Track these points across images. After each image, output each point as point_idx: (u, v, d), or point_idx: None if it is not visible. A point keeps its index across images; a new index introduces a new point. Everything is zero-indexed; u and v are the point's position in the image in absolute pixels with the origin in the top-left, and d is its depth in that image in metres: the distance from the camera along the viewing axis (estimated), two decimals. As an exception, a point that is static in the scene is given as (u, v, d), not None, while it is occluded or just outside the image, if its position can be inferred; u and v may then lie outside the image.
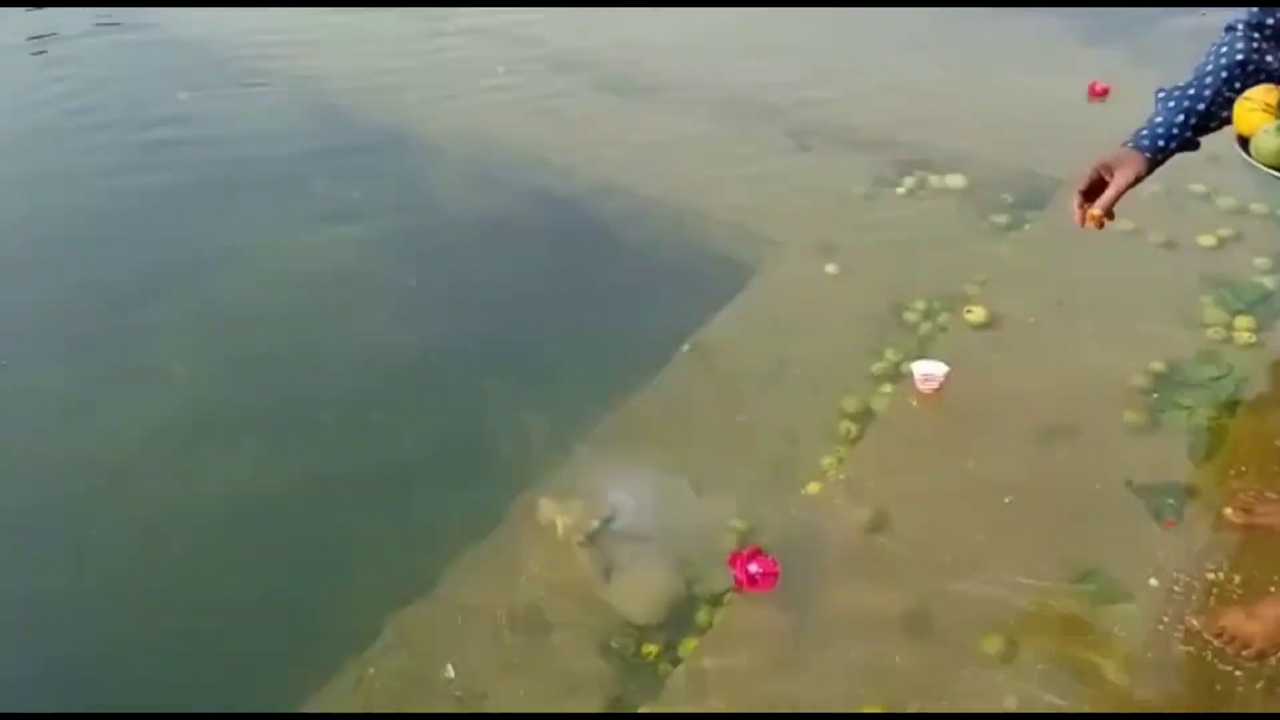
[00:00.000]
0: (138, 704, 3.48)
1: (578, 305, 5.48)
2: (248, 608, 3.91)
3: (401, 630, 3.58)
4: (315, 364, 5.20)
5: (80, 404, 4.95)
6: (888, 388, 4.34)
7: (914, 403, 4.11)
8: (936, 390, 4.04)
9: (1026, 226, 5.35)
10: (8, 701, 3.52)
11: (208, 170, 6.84)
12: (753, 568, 3.33)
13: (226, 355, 5.24)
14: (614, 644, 3.44)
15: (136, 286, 5.70)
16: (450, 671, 3.42)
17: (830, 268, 5.11)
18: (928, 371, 4.05)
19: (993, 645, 3.12)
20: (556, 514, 3.72)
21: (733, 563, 3.38)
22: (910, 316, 4.75)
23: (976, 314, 4.49)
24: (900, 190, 5.81)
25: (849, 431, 4.12)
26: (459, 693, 3.37)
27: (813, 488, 3.91)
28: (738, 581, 3.36)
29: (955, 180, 5.78)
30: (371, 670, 3.45)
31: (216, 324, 5.48)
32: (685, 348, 4.72)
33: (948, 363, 4.09)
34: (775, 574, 3.34)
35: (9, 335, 5.45)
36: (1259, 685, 2.91)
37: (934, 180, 5.83)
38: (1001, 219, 5.44)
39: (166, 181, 6.69)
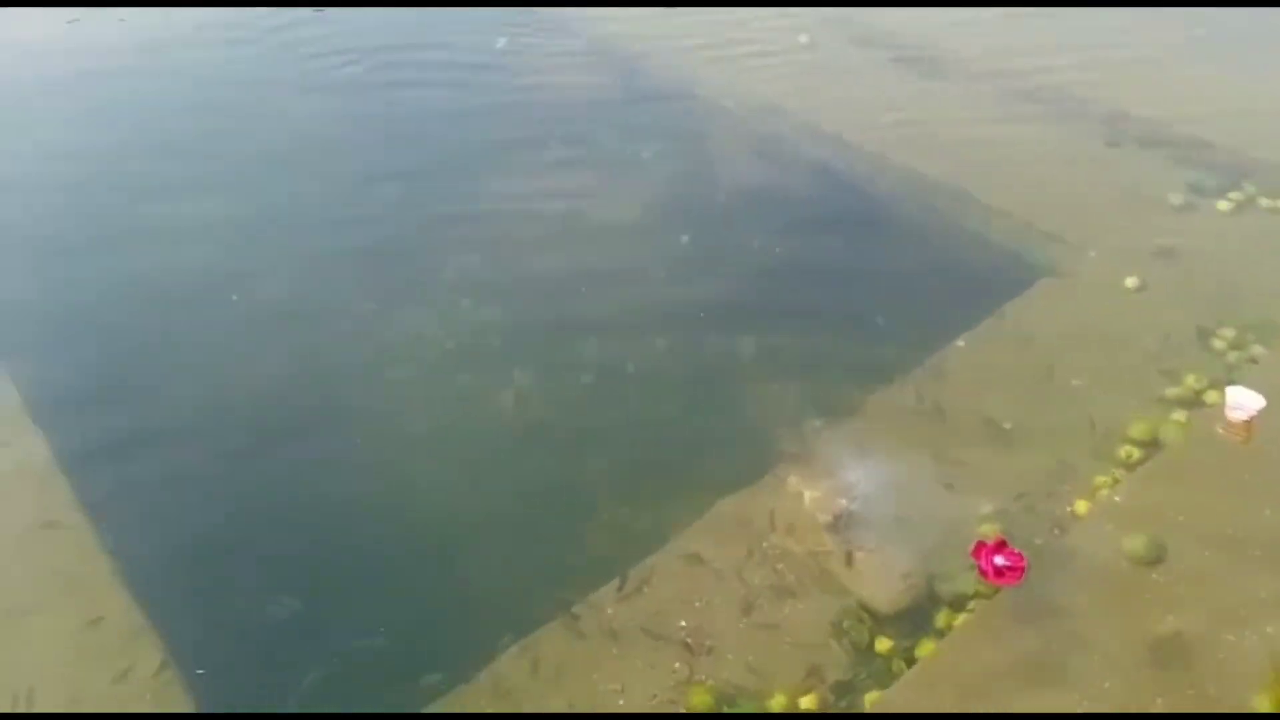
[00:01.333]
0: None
1: (846, 282, 5.38)
2: (496, 533, 4.17)
3: (642, 575, 3.71)
4: (584, 311, 5.43)
5: (369, 321, 5.44)
6: (1181, 415, 4.00)
7: (1219, 430, 3.75)
8: (1246, 423, 3.65)
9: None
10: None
11: (508, 114, 7.26)
12: (999, 559, 3.19)
13: (506, 293, 5.57)
14: (847, 626, 3.41)
15: (425, 211, 6.19)
16: (682, 623, 3.53)
17: (1130, 280, 4.73)
18: (1242, 400, 3.65)
19: (1267, 704, 2.82)
20: (805, 488, 3.71)
21: (977, 552, 3.25)
22: (1218, 344, 4.33)
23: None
24: (1222, 205, 5.27)
25: (1129, 455, 3.83)
26: (689, 639, 3.46)
27: (1080, 506, 3.68)
28: (982, 571, 3.23)
29: (1293, 202, 5.18)
30: (610, 610, 3.60)
31: (501, 260, 5.83)
32: (960, 343, 4.55)
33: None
34: (1022, 568, 3.18)
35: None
36: None
37: (1265, 201, 5.24)
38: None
39: (477, 131, 7.14)
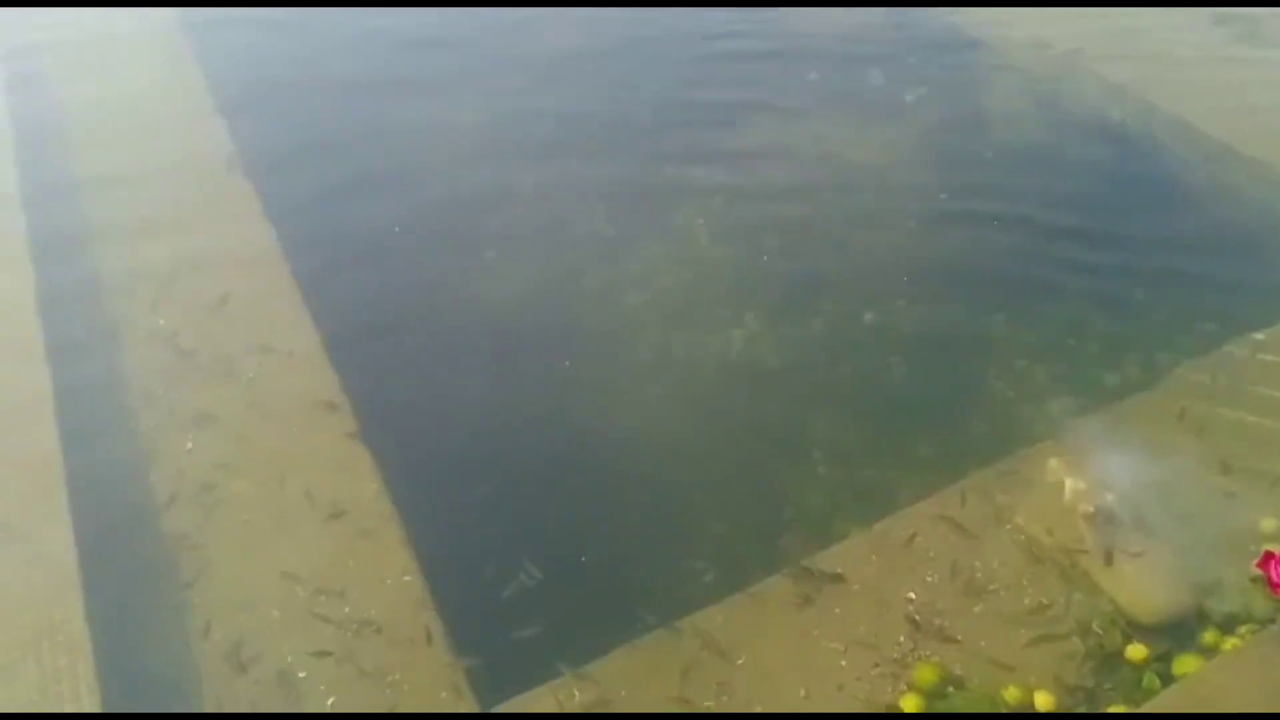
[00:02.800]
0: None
1: (1129, 253, 4.95)
2: (718, 474, 4.18)
3: (871, 541, 3.62)
4: (825, 256, 5.28)
5: (616, 247, 5.50)
6: None
7: None
8: None
9: None
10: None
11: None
12: None
13: (746, 230, 5.49)
14: (1098, 628, 3.19)
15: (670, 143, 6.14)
16: (911, 595, 3.42)
17: None
18: None
19: None
20: (1067, 476, 3.47)
21: (1265, 563, 3.03)
22: None
23: None
24: None
25: None
26: (917, 615, 3.36)
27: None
28: (1271, 584, 2.96)
29: None
30: (835, 569, 3.53)
31: (743, 196, 5.74)
32: (1259, 335, 4.10)
33: None
34: None
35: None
36: None
37: None
38: None
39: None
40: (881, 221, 5.43)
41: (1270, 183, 5.02)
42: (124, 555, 3.70)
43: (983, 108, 6.27)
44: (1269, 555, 2.99)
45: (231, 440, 4.12)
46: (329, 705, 3.23)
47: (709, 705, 3.17)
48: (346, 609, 3.51)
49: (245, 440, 4.12)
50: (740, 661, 3.29)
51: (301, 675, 3.33)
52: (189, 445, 4.09)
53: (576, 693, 3.25)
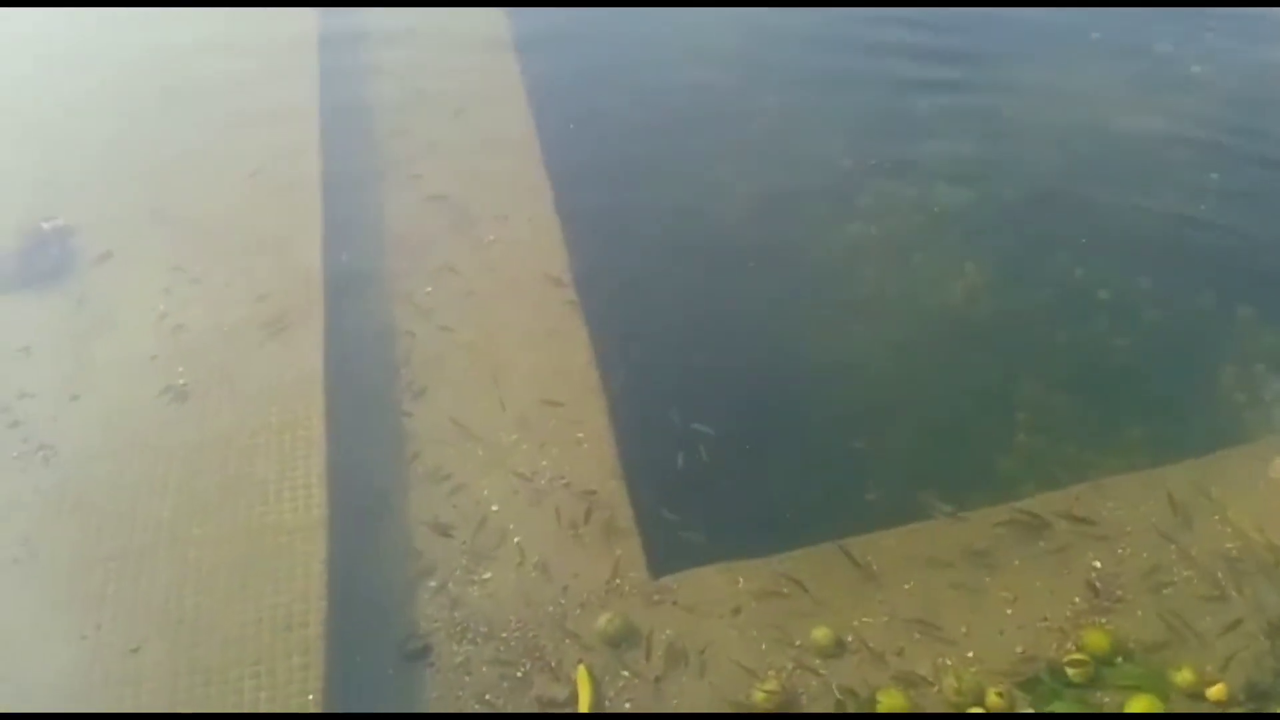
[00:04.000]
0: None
1: None
2: (910, 415, 4.19)
3: (1063, 503, 3.54)
4: (1060, 218, 5.04)
5: (844, 177, 5.45)
6: None
7: None
8: None
9: None
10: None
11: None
12: None
13: (984, 183, 5.31)
14: (1293, 633, 3.04)
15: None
16: (1096, 563, 3.34)
17: None
18: None
19: None
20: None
21: None
22: None
23: None
24: None
25: None
26: (1098, 582, 3.28)
27: None
28: None
29: None
30: (1015, 521, 3.48)
31: (992, 150, 5.54)
32: None
33: None
34: None
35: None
36: None
37: None
38: None
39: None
40: (1142, 192, 5.13)
41: None
42: (363, 372, 4.13)
43: (1273, 84, 5.75)
44: None
45: (465, 295, 4.48)
46: (514, 541, 3.53)
47: (867, 621, 3.25)
48: (544, 462, 3.79)
49: (476, 296, 4.47)
50: (907, 587, 3.34)
51: (494, 509, 3.64)
52: (429, 289, 4.50)
53: (741, 579, 3.40)
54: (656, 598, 3.35)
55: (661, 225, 5.11)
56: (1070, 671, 3.03)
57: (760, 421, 4.11)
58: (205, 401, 3.89)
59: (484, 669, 3.19)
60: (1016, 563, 3.37)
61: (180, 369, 4.02)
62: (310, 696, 2.97)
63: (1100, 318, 4.51)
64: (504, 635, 3.28)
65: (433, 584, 3.42)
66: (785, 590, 3.36)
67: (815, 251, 5.04)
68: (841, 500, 3.86)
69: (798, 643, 3.21)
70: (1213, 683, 2.98)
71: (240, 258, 4.51)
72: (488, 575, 3.45)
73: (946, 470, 3.93)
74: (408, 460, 3.84)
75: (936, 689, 3.05)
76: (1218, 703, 2.94)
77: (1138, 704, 2.93)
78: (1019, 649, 3.14)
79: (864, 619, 3.27)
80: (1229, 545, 3.31)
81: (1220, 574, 3.25)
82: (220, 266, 4.48)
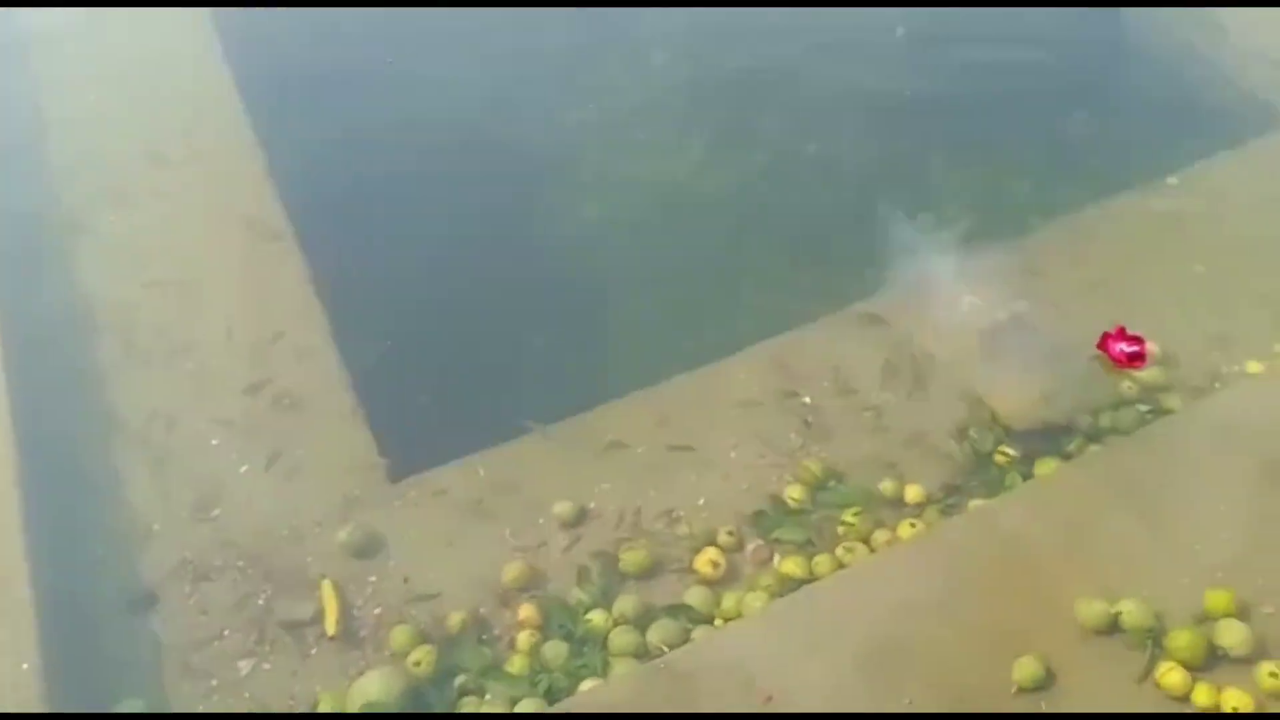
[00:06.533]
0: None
1: (1074, 102, 4.96)
2: (646, 287, 4.33)
3: (782, 343, 3.78)
4: (776, 89, 5.26)
5: (560, 62, 5.45)
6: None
7: None
8: None
9: None
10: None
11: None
12: (1124, 346, 3.17)
13: (700, 56, 5.44)
14: (973, 434, 3.39)
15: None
16: (807, 399, 3.59)
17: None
18: None
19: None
20: (964, 293, 3.60)
21: (1103, 345, 3.23)
22: None
23: None
24: None
25: (1326, 324, 3.53)
26: (809, 419, 3.53)
27: (1253, 366, 3.46)
28: (1115, 361, 3.21)
29: None
30: (741, 375, 3.69)
31: (702, 21, 5.65)
32: (1172, 180, 4.19)
33: None
34: (1144, 352, 3.22)
35: None
36: None
37: None
38: None
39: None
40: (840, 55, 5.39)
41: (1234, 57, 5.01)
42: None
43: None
44: (1104, 337, 3.17)
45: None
46: (240, 472, 3.41)
47: (606, 488, 3.36)
48: (265, 385, 3.65)
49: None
50: (640, 449, 3.47)
51: (214, 442, 3.49)
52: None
53: (481, 470, 3.43)
54: (397, 502, 3.34)
55: (373, 134, 4.93)
56: (789, 500, 3.28)
57: (489, 316, 4.13)
58: None
59: (221, 604, 3.09)
60: (734, 414, 3.56)
61: None
62: (25, 665, 2.78)
63: (815, 173, 4.76)
64: (240, 566, 3.18)
65: (156, 528, 3.26)
66: (526, 473, 3.42)
67: (538, 141, 5.03)
68: (580, 377, 3.96)
69: (541, 520, 3.29)
70: (911, 484, 3.29)
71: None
72: (216, 512, 3.33)
73: (682, 336, 4.10)
74: (115, 402, 3.60)
75: (672, 536, 3.22)
76: (916, 503, 3.25)
77: (845, 523, 3.20)
78: (744, 487, 3.35)
79: (602, 486, 3.38)
80: (922, 366, 3.62)
81: (916, 392, 3.57)
82: None
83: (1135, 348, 3.15)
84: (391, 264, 4.33)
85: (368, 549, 3.21)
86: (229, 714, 2.89)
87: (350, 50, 5.45)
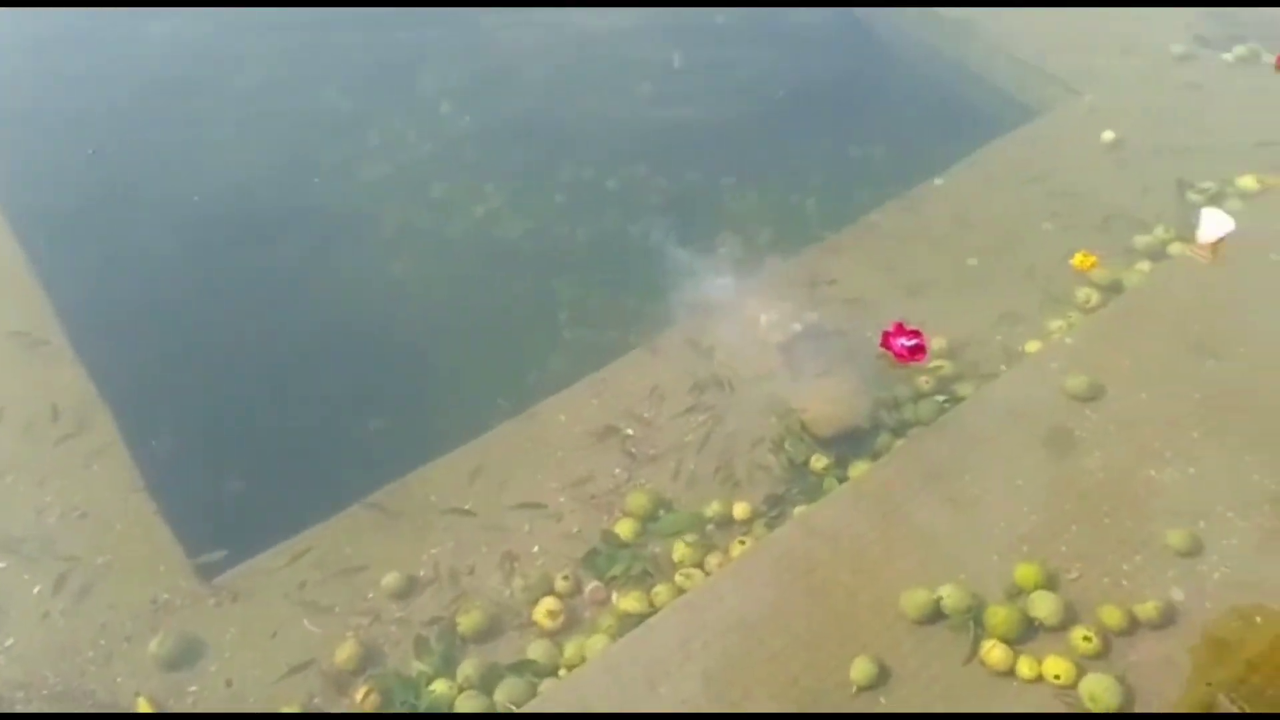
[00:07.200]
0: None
1: (845, 115, 5.25)
2: (457, 339, 4.27)
3: (599, 380, 3.79)
4: (565, 127, 5.33)
5: (347, 120, 5.36)
6: (1145, 264, 3.98)
7: (1188, 250, 3.87)
8: (1214, 245, 3.68)
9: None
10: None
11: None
12: (903, 341, 3.39)
13: (486, 102, 5.46)
14: (788, 445, 3.49)
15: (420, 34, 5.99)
16: (629, 431, 3.61)
17: (1108, 134, 4.59)
18: (1214, 222, 3.69)
19: (1178, 539, 2.93)
20: (762, 311, 3.72)
21: (885, 343, 3.44)
22: (1195, 196, 4.25)
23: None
24: (1227, 57, 5.07)
25: (1088, 299, 3.84)
26: (633, 448, 3.55)
27: (1030, 345, 3.71)
28: (898, 356, 3.40)
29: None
30: (562, 417, 3.68)
31: (485, 67, 5.67)
32: (939, 181, 4.47)
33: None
34: (924, 346, 3.46)
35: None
36: None
37: (1267, 57, 5.02)
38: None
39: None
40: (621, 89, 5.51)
41: (982, 55, 5.40)
42: None
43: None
44: (885, 334, 3.36)
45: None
46: (33, 593, 3.12)
47: (434, 552, 3.27)
48: (49, 499, 3.37)
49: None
50: (468, 506, 3.40)
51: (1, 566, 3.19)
52: None
53: (296, 555, 3.27)
54: (211, 601, 3.14)
55: (149, 215, 4.69)
56: (621, 536, 3.28)
57: (293, 392, 3.97)
58: None
59: (24, 739, 2.82)
60: (560, 455, 3.54)
61: None
62: None
63: (614, 212, 4.81)
64: (45, 694, 2.91)
65: (-61, 672, 2.95)
66: (349, 549, 3.29)
67: (335, 203, 4.91)
68: (396, 441, 3.84)
69: (370, 595, 3.17)
70: (738, 502, 3.36)
71: None
72: (10, 643, 3.03)
73: (498, 384, 4.04)
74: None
75: (509, 591, 3.16)
76: (744, 520, 3.31)
77: (679, 551, 3.23)
78: (575, 530, 3.33)
79: (431, 550, 3.29)
80: (729, 384, 3.70)
81: (727, 412, 3.63)
82: None
83: (914, 341, 3.35)
84: (182, 353, 4.10)
85: (184, 657, 3.00)
86: (228, 714, 2.81)
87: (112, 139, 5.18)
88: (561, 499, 3.42)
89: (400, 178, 5.07)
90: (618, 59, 5.76)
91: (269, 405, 3.92)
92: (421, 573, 3.23)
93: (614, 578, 3.19)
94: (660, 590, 3.12)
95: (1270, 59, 4.96)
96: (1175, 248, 3.98)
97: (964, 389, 3.60)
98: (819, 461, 3.43)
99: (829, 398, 3.52)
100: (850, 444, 3.47)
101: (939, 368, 3.65)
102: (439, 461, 3.55)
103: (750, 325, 3.74)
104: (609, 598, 3.14)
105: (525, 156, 5.18)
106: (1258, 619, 2.77)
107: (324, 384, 4.04)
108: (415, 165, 5.13)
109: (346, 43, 5.90)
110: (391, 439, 3.82)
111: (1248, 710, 2.52)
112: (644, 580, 3.17)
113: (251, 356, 4.09)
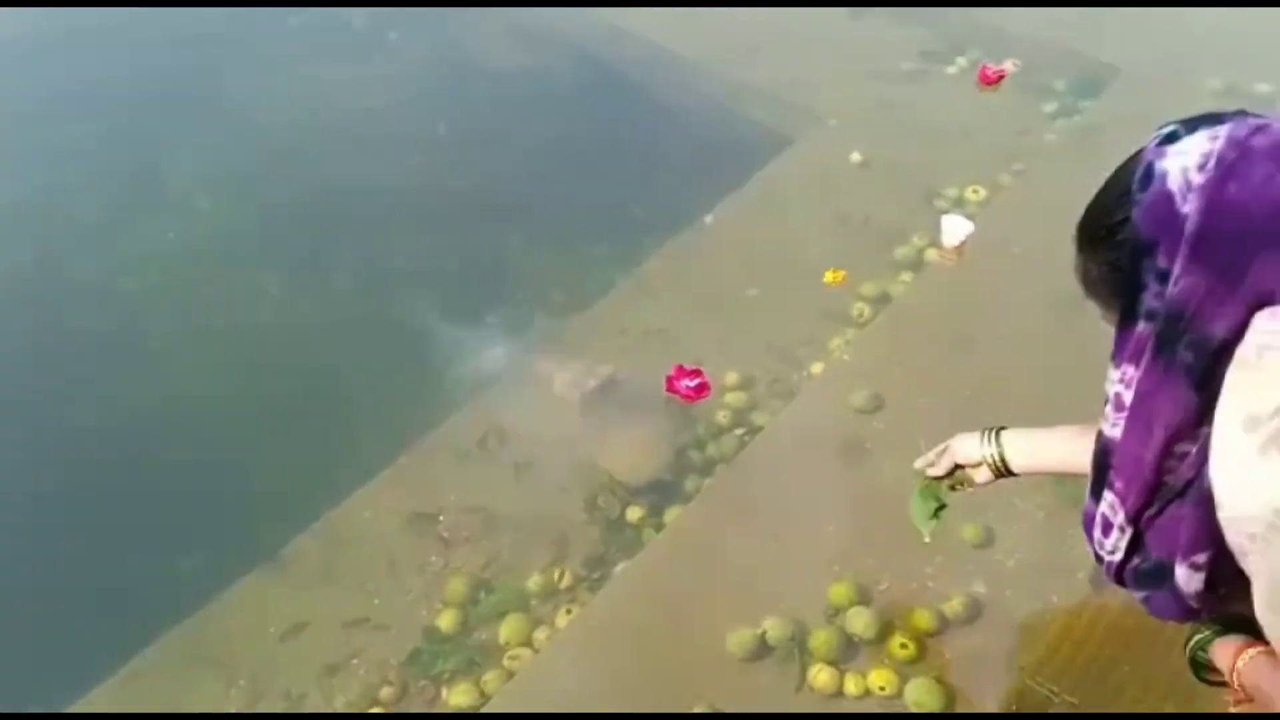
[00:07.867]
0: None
1: (607, 165, 5.35)
2: (255, 436, 4.06)
3: (400, 468, 3.68)
4: (338, 206, 5.18)
5: (104, 230, 5.04)
6: (908, 275, 4.23)
7: (936, 256, 4.16)
8: (957, 248, 3.98)
9: (1077, 117, 5.07)
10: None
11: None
12: (686, 382, 3.45)
13: (249, 193, 5.25)
14: (601, 503, 3.48)
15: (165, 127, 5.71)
16: (440, 517, 3.51)
17: (856, 155, 4.87)
18: (954, 227, 3.99)
19: (972, 533, 3.11)
20: (555, 371, 3.71)
21: (670, 386, 3.48)
22: (941, 203, 4.57)
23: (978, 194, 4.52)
24: (951, 69, 5.51)
25: (861, 314, 4.04)
26: (445, 534, 3.46)
27: (815, 367, 3.87)
28: (684, 398, 3.47)
29: (1009, 64, 5.45)
30: (366, 513, 3.55)
31: (243, 162, 5.46)
32: (709, 219, 4.62)
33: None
34: (707, 385, 3.49)
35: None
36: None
37: (990, 65, 5.48)
38: (1051, 106, 5.17)
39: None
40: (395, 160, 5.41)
41: (730, 92, 5.63)
42: None
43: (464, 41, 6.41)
44: (669, 379, 3.43)
45: None
46: None
47: (243, 684, 3.06)
48: None
49: None
50: (271, 630, 3.20)
51: None
52: None
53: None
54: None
55: None
56: (442, 628, 3.17)
57: (61, 539, 3.64)
58: None
59: None
60: (365, 552, 3.40)
61: None
62: None
63: (399, 291, 4.69)
64: None
65: None
66: (151, 700, 3.03)
67: (95, 322, 4.58)
68: (188, 569, 3.58)
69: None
70: (558, 569, 3.31)
71: None
72: None
73: (297, 487, 3.84)
74: None
75: (330, 711, 2.99)
76: (568, 587, 3.27)
77: (504, 631, 3.15)
78: (394, 630, 3.19)
79: (240, 682, 3.08)
80: (533, 451, 3.67)
81: (536, 478, 3.60)
82: None
83: (697, 380, 3.41)
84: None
85: None
86: (229, 714, 2.78)
87: None
88: (376, 601, 3.28)
89: (166, 283, 4.78)
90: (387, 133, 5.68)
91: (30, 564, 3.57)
92: (231, 709, 3.01)
93: (440, 673, 3.07)
94: (490, 678, 3.03)
95: (994, 66, 5.40)
96: (930, 254, 4.25)
97: (760, 418, 3.71)
98: (634, 513, 3.44)
99: (633, 447, 3.55)
100: (662, 491, 3.50)
101: (733, 401, 3.74)
102: (239, 586, 3.34)
103: (545, 387, 3.73)
104: (438, 695, 3.03)
105: (302, 243, 5.01)
106: (1054, 598, 2.96)
107: (87, 527, 3.73)
108: (181, 268, 4.86)
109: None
110: (180, 570, 3.55)
111: (1055, 692, 2.68)
112: (472, 670, 3.08)
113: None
